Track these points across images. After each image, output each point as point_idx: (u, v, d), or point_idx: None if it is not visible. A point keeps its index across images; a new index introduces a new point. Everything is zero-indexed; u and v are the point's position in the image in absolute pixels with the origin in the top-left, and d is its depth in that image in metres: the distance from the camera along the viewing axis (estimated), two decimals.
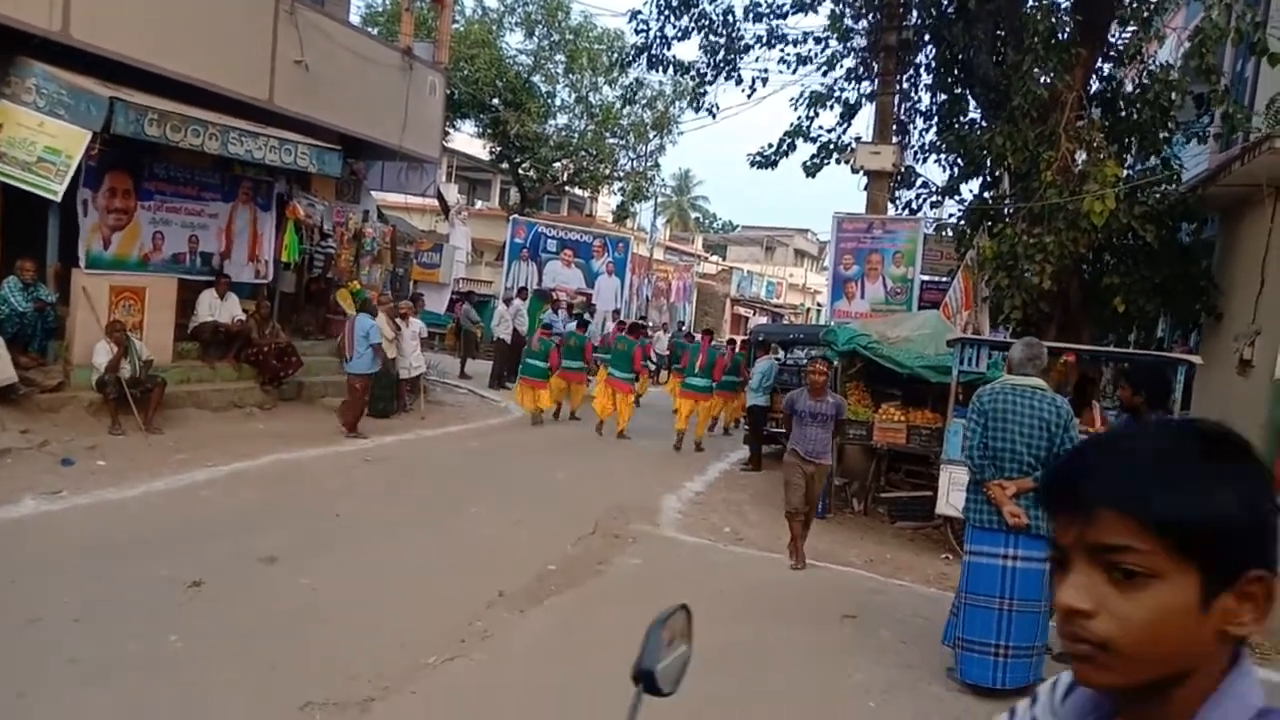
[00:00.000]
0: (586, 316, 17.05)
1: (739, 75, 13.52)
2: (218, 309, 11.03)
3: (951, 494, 7.20)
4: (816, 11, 13.06)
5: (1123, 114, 10.61)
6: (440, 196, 17.81)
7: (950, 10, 11.25)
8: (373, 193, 16.32)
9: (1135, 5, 10.74)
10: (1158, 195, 9.90)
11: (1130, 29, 11.19)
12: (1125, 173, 9.94)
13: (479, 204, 37.09)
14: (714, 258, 49.89)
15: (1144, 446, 0.94)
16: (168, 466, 8.11)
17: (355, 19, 19.18)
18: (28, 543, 5.82)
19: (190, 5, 10.62)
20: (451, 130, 25.50)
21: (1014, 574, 4.61)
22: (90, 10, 9.51)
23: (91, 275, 9.68)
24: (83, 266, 9.66)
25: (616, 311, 19.57)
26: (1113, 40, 11.12)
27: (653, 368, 16.60)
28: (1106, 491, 0.92)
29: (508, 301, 17.76)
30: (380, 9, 25.02)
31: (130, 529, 6.27)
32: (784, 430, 11.85)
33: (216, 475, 8.05)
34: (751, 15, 13.12)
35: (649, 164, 28.93)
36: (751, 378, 12.25)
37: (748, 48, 13.32)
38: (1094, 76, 10.83)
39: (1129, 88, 10.92)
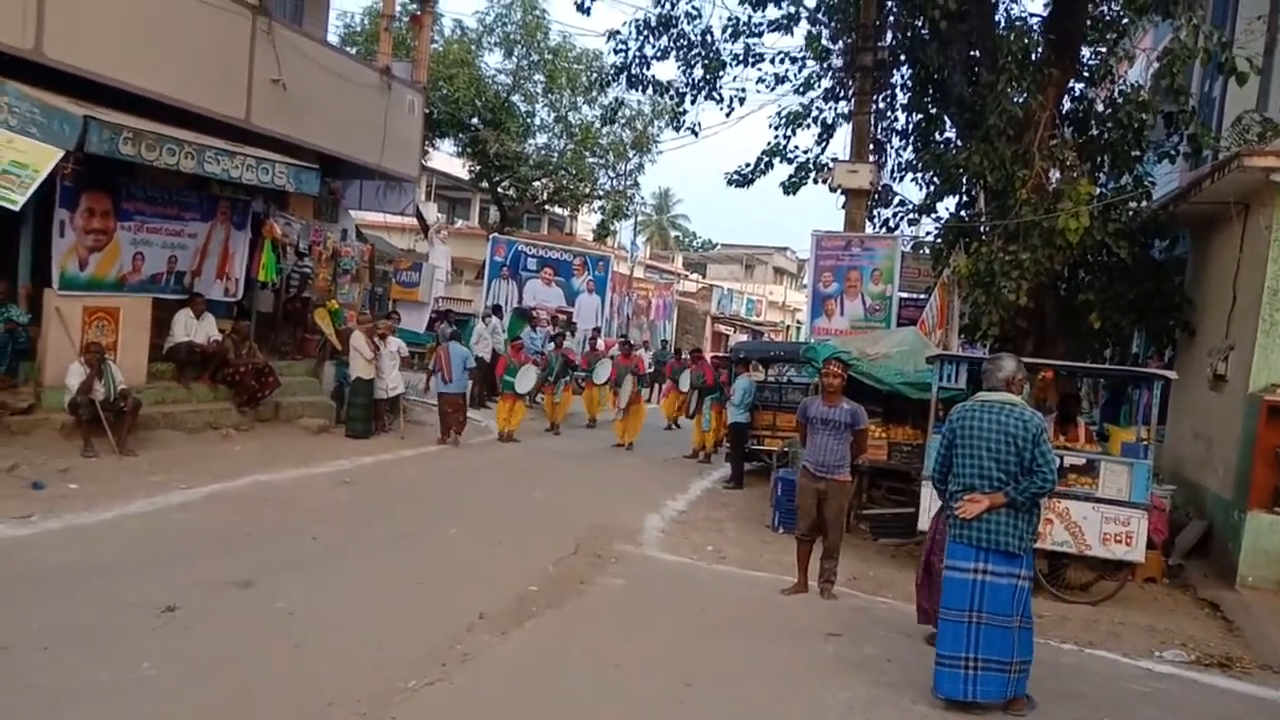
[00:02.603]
0: (556, 332, 17.10)
1: (718, 94, 13.63)
2: (194, 329, 10.90)
3: (933, 510, 7.20)
4: (793, 33, 13.22)
5: (1095, 133, 10.76)
6: (419, 215, 17.79)
7: (925, 31, 11.40)
8: (351, 212, 16.26)
9: (1104, 26, 10.92)
10: (1130, 213, 10.03)
11: (1101, 50, 11.38)
12: (1098, 190, 10.06)
13: (459, 223, 37.01)
14: (694, 276, 50.05)
15: None
16: (142, 489, 7.97)
17: (333, 38, 19.18)
18: None
19: (166, 24, 10.58)
20: (430, 149, 25.44)
21: (983, 587, 4.63)
22: (64, 29, 9.44)
23: (65, 296, 9.55)
24: (56, 287, 9.52)
25: (597, 330, 19.56)
26: (1084, 60, 11.30)
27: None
28: None
29: (486, 320, 17.70)
30: (358, 29, 24.99)
31: (102, 553, 6.15)
32: (769, 447, 12.02)
33: (192, 498, 7.92)
34: (729, 33, 13.24)
35: (629, 183, 28.99)
36: (732, 394, 12.26)
37: (724, 65, 13.43)
38: (1066, 96, 10.99)
39: (1100, 107, 11.09)
